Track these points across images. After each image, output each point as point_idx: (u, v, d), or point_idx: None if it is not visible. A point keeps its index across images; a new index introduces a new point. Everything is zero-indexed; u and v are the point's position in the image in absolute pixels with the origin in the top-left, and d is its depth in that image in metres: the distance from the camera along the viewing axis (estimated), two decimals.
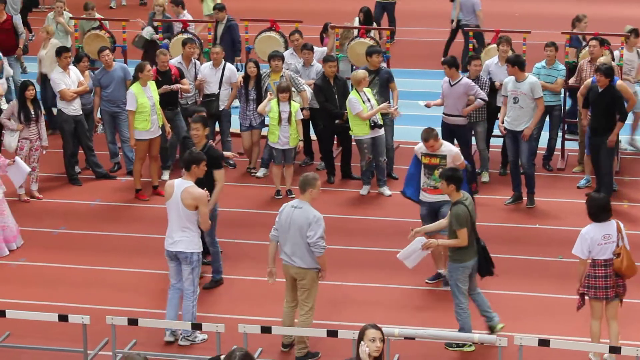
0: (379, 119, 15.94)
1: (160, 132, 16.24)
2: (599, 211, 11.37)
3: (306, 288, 11.57)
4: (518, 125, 15.69)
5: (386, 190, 16.28)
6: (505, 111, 15.88)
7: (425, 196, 13.21)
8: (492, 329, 12.01)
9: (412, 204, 13.78)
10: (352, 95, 16.02)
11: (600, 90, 15.36)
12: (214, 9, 20.03)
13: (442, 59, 16.66)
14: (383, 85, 16.69)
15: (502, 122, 15.94)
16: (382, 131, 16.05)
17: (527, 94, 15.61)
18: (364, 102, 15.88)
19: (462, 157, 13.32)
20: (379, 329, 8.49)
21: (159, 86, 16.70)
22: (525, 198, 15.98)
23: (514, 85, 15.70)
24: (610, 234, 11.28)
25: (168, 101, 16.77)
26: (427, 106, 16.54)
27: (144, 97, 15.86)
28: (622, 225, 11.42)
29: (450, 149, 13.16)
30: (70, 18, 19.73)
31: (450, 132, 16.20)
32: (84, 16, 19.99)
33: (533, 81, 15.73)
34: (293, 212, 11.48)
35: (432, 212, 13.11)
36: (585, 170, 16.67)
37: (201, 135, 13.23)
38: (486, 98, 16.31)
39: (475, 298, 12.05)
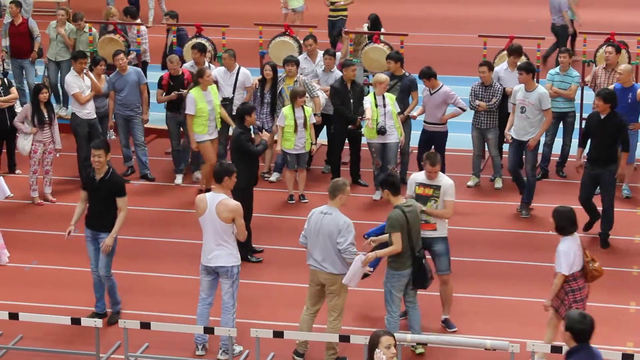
0: (385, 125, 15.87)
1: (217, 136, 16.26)
2: (569, 224, 11.15)
3: (336, 293, 11.55)
4: (524, 135, 15.54)
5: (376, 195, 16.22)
6: (513, 119, 15.83)
7: None
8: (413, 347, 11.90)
9: None
10: (367, 96, 16.07)
11: (602, 117, 14.30)
12: (165, 15, 19.97)
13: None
14: (404, 92, 16.69)
15: (509, 130, 15.88)
16: (392, 139, 16.00)
17: (535, 104, 15.45)
18: (377, 105, 15.87)
19: (454, 197, 12.26)
20: (392, 334, 8.47)
21: (170, 91, 16.79)
22: (533, 205, 15.86)
23: (523, 94, 15.55)
24: (579, 244, 11.21)
25: (180, 105, 16.81)
26: (413, 118, 16.61)
27: (203, 102, 15.85)
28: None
29: (446, 181, 12.21)
30: (85, 22, 19.75)
31: (430, 139, 16.34)
32: (96, 21, 20.02)
33: (542, 92, 15.55)
34: (323, 219, 11.43)
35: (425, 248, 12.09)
36: None
37: (103, 162, 12.28)
38: (466, 107, 16.38)
39: (410, 312, 11.85)
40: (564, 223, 11.12)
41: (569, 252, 11.05)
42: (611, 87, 15.73)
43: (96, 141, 12.89)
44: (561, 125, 17.07)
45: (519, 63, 16.51)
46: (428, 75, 16.17)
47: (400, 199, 11.61)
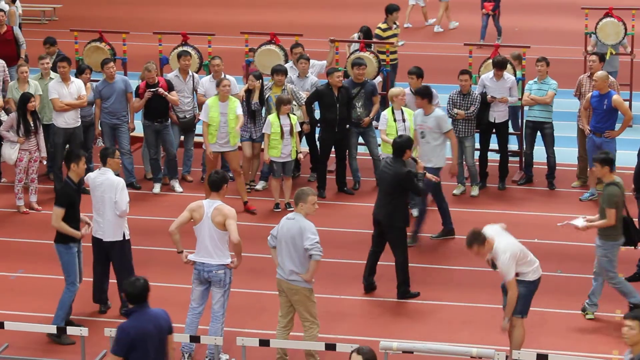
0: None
1: (234, 149, 16.16)
2: None
3: (300, 303, 11.56)
4: (427, 162, 14.77)
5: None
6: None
7: None
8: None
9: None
10: (384, 111, 15.91)
11: None
12: (45, 43, 18.48)
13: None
14: (368, 98, 16.87)
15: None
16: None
17: (433, 127, 15.07)
18: (395, 120, 15.68)
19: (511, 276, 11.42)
20: (363, 353, 8.48)
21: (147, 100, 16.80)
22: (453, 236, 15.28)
23: (421, 119, 15.18)
24: None
25: (158, 113, 16.88)
26: None
27: (215, 112, 15.85)
28: None
29: (500, 258, 11.33)
30: (71, 30, 19.65)
31: None
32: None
33: (439, 115, 15.15)
34: (285, 224, 11.55)
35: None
36: (590, 184, 16.63)
37: None
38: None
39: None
40: None
41: None
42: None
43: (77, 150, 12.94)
44: (540, 135, 17.07)
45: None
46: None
47: (613, 176, 12.55)
